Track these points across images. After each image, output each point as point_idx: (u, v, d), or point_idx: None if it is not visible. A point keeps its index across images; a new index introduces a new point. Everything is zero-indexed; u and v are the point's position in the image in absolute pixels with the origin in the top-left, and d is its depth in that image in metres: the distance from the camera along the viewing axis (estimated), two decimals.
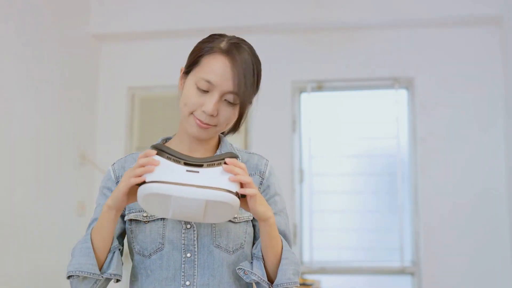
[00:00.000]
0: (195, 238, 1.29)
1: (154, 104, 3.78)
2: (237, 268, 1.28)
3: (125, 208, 1.34)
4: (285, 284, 1.26)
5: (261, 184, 1.35)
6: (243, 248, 1.32)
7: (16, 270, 2.81)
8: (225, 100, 1.28)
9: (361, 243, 3.56)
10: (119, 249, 1.30)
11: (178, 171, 1.15)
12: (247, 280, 1.28)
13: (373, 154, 3.60)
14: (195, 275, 1.28)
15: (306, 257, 3.54)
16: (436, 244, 3.36)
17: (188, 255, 1.28)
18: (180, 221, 1.30)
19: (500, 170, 3.34)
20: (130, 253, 1.36)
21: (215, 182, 1.14)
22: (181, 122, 1.35)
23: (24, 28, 2.94)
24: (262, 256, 1.27)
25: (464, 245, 3.32)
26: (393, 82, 3.57)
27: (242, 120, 1.35)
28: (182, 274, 1.28)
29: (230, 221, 1.30)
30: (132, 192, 1.19)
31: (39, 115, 3.08)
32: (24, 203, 2.91)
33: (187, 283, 1.27)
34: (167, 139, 1.41)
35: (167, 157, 1.16)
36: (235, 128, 1.37)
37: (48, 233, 3.09)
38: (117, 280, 1.29)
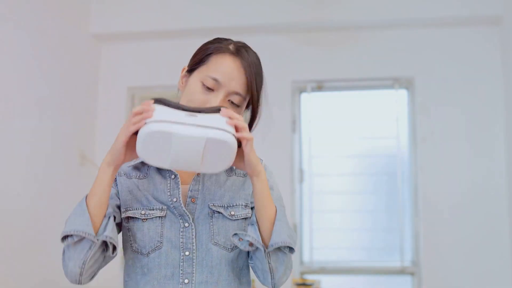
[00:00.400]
0: (194, 237, 1.29)
1: None
2: (231, 236, 1.28)
3: (120, 202, 1.33)
4: (280, 243, 1.24)
5: None
6: None
7: (16, 270, 2.81)
8: (229, 100, 1.30)
9: (361, 243, 3.56)
10: (114, 217, 1.28)
11: (177, 114, 1.16)
12: (242, 247, 1.27)
13: (373, 154, 3.60)
14: (193, 273, 1.28)
15: (306, 257, 3.54)
16: (436, 244, 3.36)
17: (187, 253, 1.28)
18: (178, 220, 1.30)
19: (500, 170, 3.34)
20: (124, 251, 1.35)
21: (214, 124, 1.15)
22: None
23: (24, 28, 2.94)
24: (257, 221, 1.27)
25: (464, 245, 3.32)
26: (393, 82, 3.57)
27: (256, 121, 1.39)
28: (181, 272, 1.28)
29: (228, 218, 1.31)
30: (130, 146, 1.19)
31: (39, 115, 3.08)
32: (24, 203, 2.90)
33: (186, 281, 1.28)
34: None
35: (165, 104, 1.17)
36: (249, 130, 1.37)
37: (48, 233, 3.09)
38: (114, 249, 1.25)
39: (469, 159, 3.38)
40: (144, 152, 1.15)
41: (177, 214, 1.30)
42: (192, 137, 1.13)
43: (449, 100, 3.45)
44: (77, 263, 1.21)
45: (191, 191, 1.32)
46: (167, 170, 1.34)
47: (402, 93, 3.61)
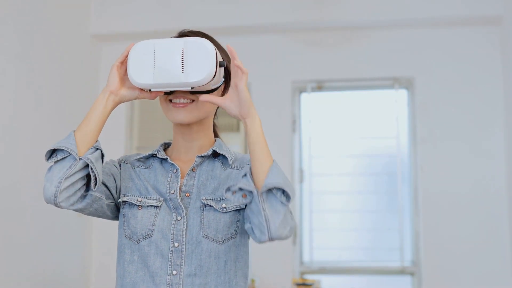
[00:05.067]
0: (184, 229, 1.31)
1: (154, 104, 3.77)
2: (225, 191, 1.28)
3: (121, 191, 1.37)
4: (274, 184, 1.20)
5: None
6: (234, 238, 1.33)
7: (16, 271, 2.81)
8: None
9: (361, 243, 3.56)
10: (101, 152, 1.30)
11: None
12: (235, 199, 1.26)
13: (373, 154, 3.60)
14: (182, 265, 1.29)
15: (306, 257, 3.54)
16: (436, 244, 3.36)
17: (176, 244, 1.30)
18: (171, 212, 1.32)
19: (500, 170, 3.34)
20: (118, 238, 1.38)
21: None
22: (173, 128, 1.44)
23: (24, 28, 2.94)
24: (250, 171, 1.25)
25: (464, 245, 3.32)
26: (393, 82, 3.57)
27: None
28: (169, 263, 1.30)
29: (219, 211, 1.32)
30: (125, 78, 1.33)
31: (39, 115, 3.08)
32: (23, 203, 2.90)
33: (174, 272, 1.29)
34: (167, 144, 1.48)
35: None
36: (225, 89, 1.41)
37: (48, 233, 3.09)
38: (95, 181, 1.26)
39: (469, 159, 3.38)
40: (132, 70, 1.29)
41: (171, 207, 1.33)
42: (171, 41, 1.29)
43: (449, 100, 3.45)
44: (53, 182, 1.22)
45: (185, 186, 1.36)
46: (170, 164, 1.39)
47: (402, 93, 3.61)
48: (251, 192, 1.22)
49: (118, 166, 1.41)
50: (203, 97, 1.29)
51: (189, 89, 1.28)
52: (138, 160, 1.44)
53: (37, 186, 3.00)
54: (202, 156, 1.39)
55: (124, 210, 1.36)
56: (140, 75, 1.28)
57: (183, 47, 1.27)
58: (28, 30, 2.98)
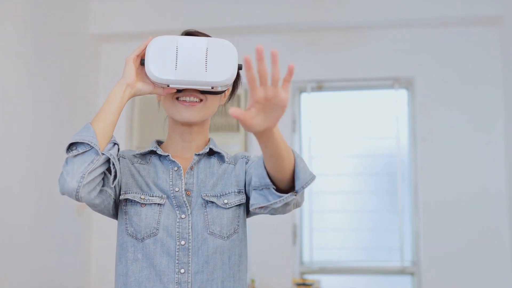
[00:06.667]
0: (190, 227, 1.31)
1: (154, 104, 3.76)
2: (251, 208, 1.24)
3: (121, 187, 1.36)
4: (309, 181, 1.19)
5: (246, 163, 1.40)
6: (237, 232, 1.35)
7: (16, 271, 2.81)
8: None
9: (361, 243, 3.56)
10: (118, 146, 1.30)
11: None
12: (265, 212, 1.22)
13: (373, 154, 3.60)
14: (189, 263, 1.29)
15: (306, 257, 3.54)
16: (436, 244, 3.36)
17: (182, 242, 1.30)
18: (175, 210, 1.32)
19: (500, 170, 3.34)
20: (118, 235, 1.36)
21: None
22: (169, 126, 1.44)
23: (24, 28, 2.94)
24: (271, 181, 1.19)
25: (464, 245, 3.32)
26: (393, 82, 3.57)
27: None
28: (177, 262, 1.29)
29: (221, 207, 1.33)
30: (141, 71, 1.32)
31: (39, 115, 3.08)
32: (23, 204, 2.90)
33: (182, 270, 1.29)
34: (159, 142, 1.48)
35: None
36: (232, 92, 1.46)
37: (48, 233, 3.09)
38: (115, 176, 1.26)
39: (469, 159, 3.38)
40: (152, 65, 1.26)
41: (175, 204, 1.33)
42: (194, 40, 1.29)
43: (449, 100, 3.45)
44: (75, 177, 1.21)
45: (185, 184, 1.36)
46: (170, 161, 1.38)
47: (402, 93, 3.61)
48: (288, 202, 1.20)
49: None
50: (234, 111, 1.03)
51: (209, 88, 1.28)
52: (136, 156, 1.43)
53: (37, 186, 3.01)
54: (199, 154, 1.40)
55: (126, 208, 1.34)
56: (160, 70, 1.27)
57: (207, 46, 1.27)
58: (27, 30, 2.98)
